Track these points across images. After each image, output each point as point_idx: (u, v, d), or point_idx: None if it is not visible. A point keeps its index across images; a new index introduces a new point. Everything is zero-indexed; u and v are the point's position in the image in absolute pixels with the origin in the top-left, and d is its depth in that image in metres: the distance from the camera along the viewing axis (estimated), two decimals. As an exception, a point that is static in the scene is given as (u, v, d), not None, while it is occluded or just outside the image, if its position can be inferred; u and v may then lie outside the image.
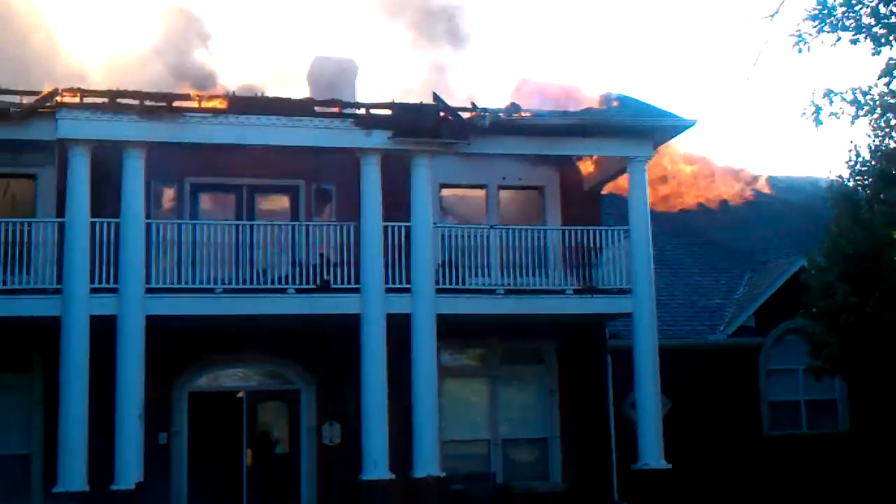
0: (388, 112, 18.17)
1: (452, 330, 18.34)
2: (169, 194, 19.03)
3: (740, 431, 21.58)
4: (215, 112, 17.24)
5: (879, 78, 10.35)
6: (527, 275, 18.91)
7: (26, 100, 16.55)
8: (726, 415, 21.51)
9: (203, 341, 18.15)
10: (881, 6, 10.01)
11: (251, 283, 17.54)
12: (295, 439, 19.04)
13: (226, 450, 18.55)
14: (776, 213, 25.57)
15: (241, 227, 17.96)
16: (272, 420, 19.48)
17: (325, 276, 17.89)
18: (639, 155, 19.13)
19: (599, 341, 20.59)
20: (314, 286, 17.79)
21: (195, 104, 17.25)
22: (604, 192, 21.40)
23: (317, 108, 17.91)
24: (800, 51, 10.62)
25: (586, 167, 20.77)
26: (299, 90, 20.35)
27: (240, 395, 19.00)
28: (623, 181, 20.04)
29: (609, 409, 20.25)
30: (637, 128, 19.06)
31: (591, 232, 19.26)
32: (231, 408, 18.79)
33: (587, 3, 55.90)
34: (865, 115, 10.62)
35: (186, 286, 17.22)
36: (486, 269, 18.89)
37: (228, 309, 17.28)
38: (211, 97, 17.43)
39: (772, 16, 10.95)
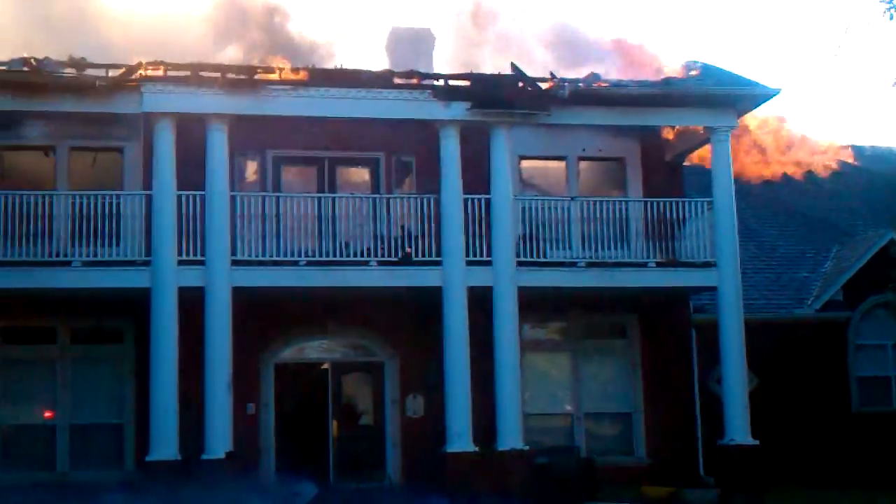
0: (466, 83, 18.14)
1: (533, 303, 18.23)
2: (252, 167, 19.20)
3: (828, 408, 21.11)
4: (296, 84, 17.35)
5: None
6: (608, 248, 18.70)
7: (111, 73, 16.82)
8: (814, 391, 21.05)
9: (287, 313, 18.28)
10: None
11: (334, 255, 17.63)
12: (379, 411, 19.10)
13: (312, 420, 18.68)
14: (863, 184, 24.95)
15: (322, 200, 18.05)
16: (356, 392, 19.60)
17: (407, 249, 17.91)
18: (722, 125, 18.79)
19: (683, 315, 20.26)
20: (396, 259, 17.82)
21: (276, 76, 17.39)
22: (686, 162, 21.05)
23: (395, 80, 17.93)
24: (891, 17, 10.30)
25: (668, 137, 20.45)
26: (377, 61, 20.37)
27: (325, 366, 19.12)
28: (705, 151, 19.69)
29: (694, 384, 19.93)
30: (720, 97, 18.72)
31: (674, 203, 18.97)
32: (316, 379, 18.94)
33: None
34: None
35: (271, 258, 17.41)
36: (566, 242, 18.74)
37: (312, 281, 17.39)
38: (292, 70, 17.53)
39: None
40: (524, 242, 18.36)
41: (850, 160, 22.45)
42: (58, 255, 16.80)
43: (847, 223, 23.80)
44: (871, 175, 25.16)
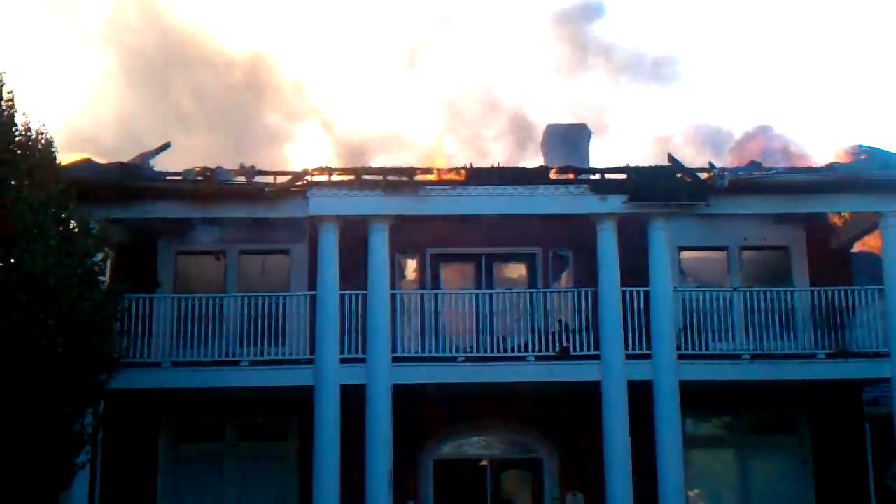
0: (622, 176, 18.07)
1: (695, 397, 17.79)
2: (411, 265, 19.63)
3: None
4: (454, 184, 17.68)
5: None
6: (773, 338, 18.19)
7: (279, 179, 17.54)
8: None
9: (446, 409, 18.44)
10: None
11: (491, 350, 17.72)
12: (539, 509, 18.91)
13: (470, 518, 18.64)
14: None
15: (480, 296, 18.25)
16: (515, 489, 19.43)
17: (564, 343, 17.83)
18: (891, 209, 18.10)
19: (855, 409, 19.39)
20: (553, 353, 17.76)
21: (434, 177, 17.77)
22: (854, 249, 20.33)
23: (551, 175, 18.04)
24: None
25: (834, 224, 19.83)
26: (534, 158, 20.61)
27: (483, 463, 19.09)
28: (875, 237, 18.98)
29: (869, 480, 18.97)
30: (888, 181, 18.07)
31: (842, 292, 18.31)
32: (475, 476, 18.90)
33: (813, 51, 53.99)
34: None
35: (429, 355, 17.64)
36: (729, 333, 18.30)
37: (470, 377, 17.50)
38: (450, 169, 17.89)
39: None
40: (685, 334, 18.03)
41: None
42: (227, 356, 17.46)
43: None
44: None
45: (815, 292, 18.52)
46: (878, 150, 19.22)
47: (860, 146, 19.28)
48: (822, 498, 18.94)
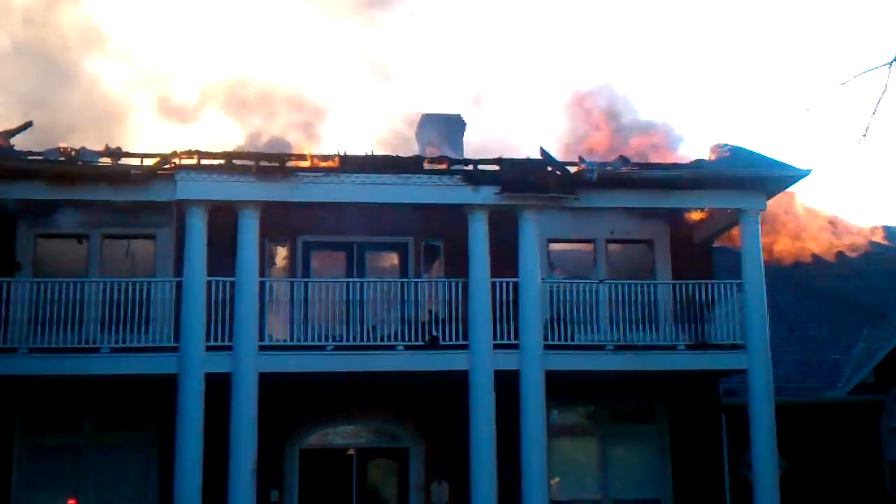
0: (495, 167, 18.19)
1: (561, 386, 18.12)
2: (282, 253, 19.36)
3: (860, 491, 20.74)
4: (327, 171, 17.50)
5: None
6: (637, 330, 18.61)
7: (146, 162, 17.04)
8: (845, 474, 20.71)
9: (314, 398, 18.30)
10: None
11: (361, 339, 17.63)
12: (404, 498, 18.96)
13: (336, 507, 18.60)
14: (894, 264, 24.73)
15: (351, 285, 18.11)
16: (381, 478, 19.45)
17: (434, 333, 17.88)
18: (751, 206, 18.72)
19: (713, 399, 20.07)
20: (423, 343, 17.79)
21: (307, 163, 17.54)
22: (715, 244, 20.98)
23: (425, 165, 18.04)
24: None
25: (697, 219, 20.41)
26: (407, 148, 20.57)
27: (350, 452, 19.05)
28: (735, 233, 19.62)
29: (724, 469, 19.67)
30: (749, 179, 18.66)
31: (703, 286, 18.85)
32: (341, 465, 18.84)
33: (692, 52, 55.48)
34: None
35: (298, 343, 17.43)
36: (595, 325, 18.63)
37: (339, 366, 17.38)
38: (323, 157, 17.69)
39: (890, 63, 10.58)
40: (552, 326, 18.29)
41: (882, 241, 22.30)
42: (87, 342, 16.90)
43: (879, 304, 23.55)
44: (903, 255, 24.98)
45: (677, 285, 19.01)
46: (742, 149, 19.82)
47: (725, 145, 19.82)
48: (678, 485, 19.55)
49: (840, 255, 21.15)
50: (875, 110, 10.61)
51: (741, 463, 19.35)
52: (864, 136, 10.96)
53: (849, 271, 23.48)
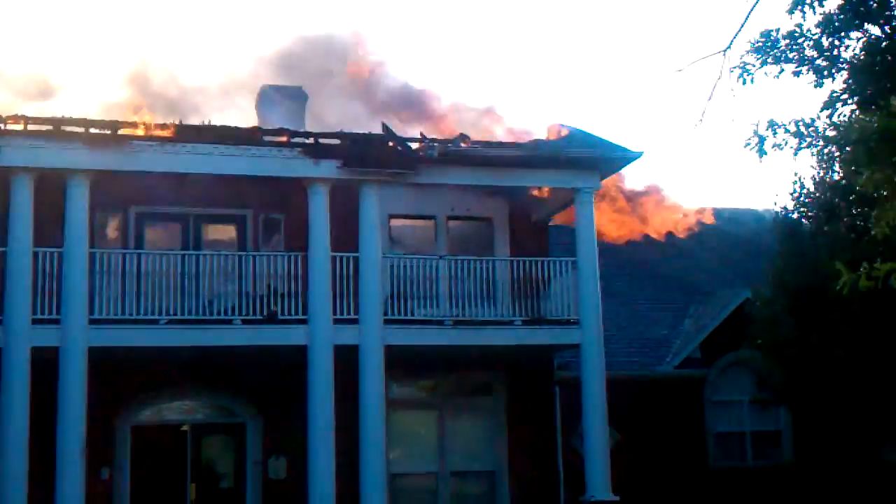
0: (336, 142, 18.15)
1: (402, 361, 18.26)
2: (114, 224, 18.77)
3: (686, 463, 21.66)
4: (162, 140, 17.07)
5: (822, 110, 10.51)
6: (476, 306, 18.91)
7: (-32, 126, 16.26)
8: (673, 446, 21.59)
9: (147, 373, 17.85)
10: (824, 39, 10.20)
11: (197, 313, 17.34)
12: (240, 473, 18.75)
13: (169, 485, 18.21)
14: (722, 244, 25.87)
15: (187, 257, 17.75)
16: (217, 454, 19.20)
17: (273, 307, 17.73)
18: (586, 186, 19.24)
19: (548, 373, 20.59)
20: (261, 317, 17.63)
21: (141, 132, 17.08)
22: (553, 223, 21.50)
23: (265, 137, 17.82)
24: (744, 82, 10.74)
25: (534, 198, 20.85)
26: (248, 118, 20.26)
27: (184, 428, 18.69)
28: (572, 212, 20.13)
29: (557, 441, 20.24)
30: (584, 159, 19.17)
31: (540, 263, 19.31)
32: (175, 441, 18.48)
33: (541, 35, 56.62)
34: (808, 147, 10.76)
35: (131, 317, 17.00)
36: (435, 300, 18.86)
37: (173, 340, 17.04)
38: (158, 125, 17.25)
39: (724, 51, 11.09)
40: (392, 300, 18.40)
41: (710, 221, 23.26)
42: None
43: (705, 283, 24.61)
44: (729, 236, 26.11)
45: (515, 262, 19.43)
46: (579, 130, 20.37)
47: (562, 125, 20.34)
48: (514, 457, 19.98)
49: (670, 235, 21.95)
50: (710, 96, 11.12)
51: (574, 435, 19.93)
52: (701, 120, 11.49)
53: (678, 251, 24.42)
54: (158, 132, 17.11)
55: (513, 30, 55.37)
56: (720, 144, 59.08)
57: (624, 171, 20.20)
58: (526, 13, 55.02)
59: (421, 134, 18.79)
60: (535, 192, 20.65)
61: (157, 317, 17.02)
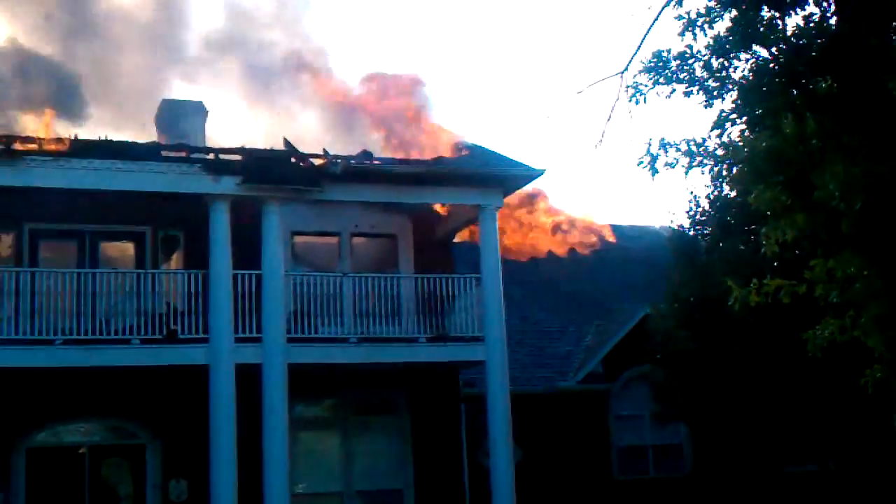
0: (238, 157, 17.96)
1: (306, 380, 18.07)
2: (7, 241, 18.24)
3: (591, 476, 21.95)
4: (56, 155, 16.67)
5: (712, 129, 10.77)
6: (380, 323, 18.87)
7: None
8: (577, 460, 21.85)
9: (43, 395, 17.34)
10: (713, 60, 10.47)
11: (94, 333, 16.93)
12: (140, 496, 18.31)
13: (66, 509, 17.71)
14: (621, 261, 26.29)
15: (83, 275, 17.31)
16: (117, 477, 18.69)
17: (172, 326, 17.43)
18: (489, 203, 19.38)
19: (453, 389, 20.62)
20: (161, 336, 17.31)
21: (35, 146, 16.65)
22: (457, 240, 21.60)
23: (164, 153, 17.55)
24: (637, 102, 10.95)
25: (439, 215, 20.94)
26: (146, 134, 19.92)
27: (82, 450, 18.19)
28: (475, 229, 20.25)
29: (463, 457, 20.25)
30: (487, 176, 19.34)
31: (444, 280, 19.36)
32: (73, 464, 17.97)
33: (447, 53, 56.95)
34: (699, 166, 11.02)
35: (24, 337, 16.54)
36: (339, 318, 18.74)
37: (69, 360, 16.65)
38: (53, 140, 16.84)
39: (622, 73, 11.30)
40: (296, 318, 18.24)
41: (610, 238, 23.64)
42: None
43: (608, 299, 24.99)
44: (629, 252, 26.57)
45: (420, 279, 19.44)
46: (481, 147, 20.53)
47: (465, 143, 20.47)
48: (420, 475, 19.91)
49: (572, 251, 22.22)
50: (609, 117, 11.34)
51: (479, 451, 20.01)
52: (601, 141, 11.68)
53: (580, 267, 24.74)
54: (53, 146, 16.71)
55: (424, 49, 55.61)
56: (620, 164, 60.32)
57: (527, 188, 20.41)
58: (431, 36, 55.38)
59: (324, 150, 18.71)
60: (440, 209, 20.77)
61: (52, 337, 16.59)
